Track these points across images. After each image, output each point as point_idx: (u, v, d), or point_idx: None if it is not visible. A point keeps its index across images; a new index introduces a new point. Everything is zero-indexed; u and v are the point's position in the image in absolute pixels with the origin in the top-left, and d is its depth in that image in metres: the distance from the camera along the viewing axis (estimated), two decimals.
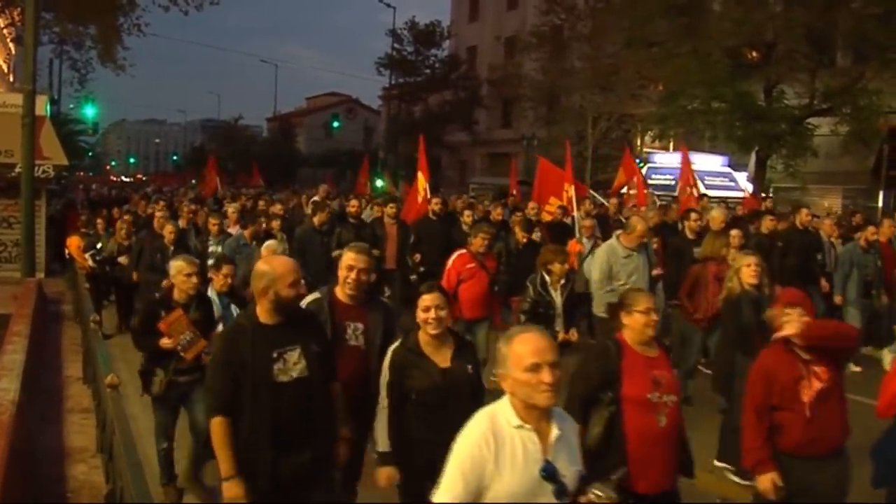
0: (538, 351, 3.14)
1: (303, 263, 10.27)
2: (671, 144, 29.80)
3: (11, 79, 35.46)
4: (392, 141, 50.37)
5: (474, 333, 8.77)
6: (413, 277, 12.03)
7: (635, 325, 4.58)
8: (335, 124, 64.41)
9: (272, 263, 4.42)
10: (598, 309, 9.09)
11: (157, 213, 13.29)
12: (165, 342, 6.27)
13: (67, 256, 14.93)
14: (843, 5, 20.74)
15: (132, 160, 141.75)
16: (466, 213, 13.01)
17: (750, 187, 24.27)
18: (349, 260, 5.18)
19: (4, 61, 35.36)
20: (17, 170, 14.54)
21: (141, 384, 6.61)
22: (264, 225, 12.33)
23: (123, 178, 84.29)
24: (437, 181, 33.57)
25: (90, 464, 6.59)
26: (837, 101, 21.43)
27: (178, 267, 6.47)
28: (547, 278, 8.03)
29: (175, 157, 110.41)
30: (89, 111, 42.07)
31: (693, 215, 10.94)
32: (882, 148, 21.62)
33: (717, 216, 11.27)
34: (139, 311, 7.23)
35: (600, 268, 9.10)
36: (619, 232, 9.52)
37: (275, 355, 4.24)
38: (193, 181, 50.93)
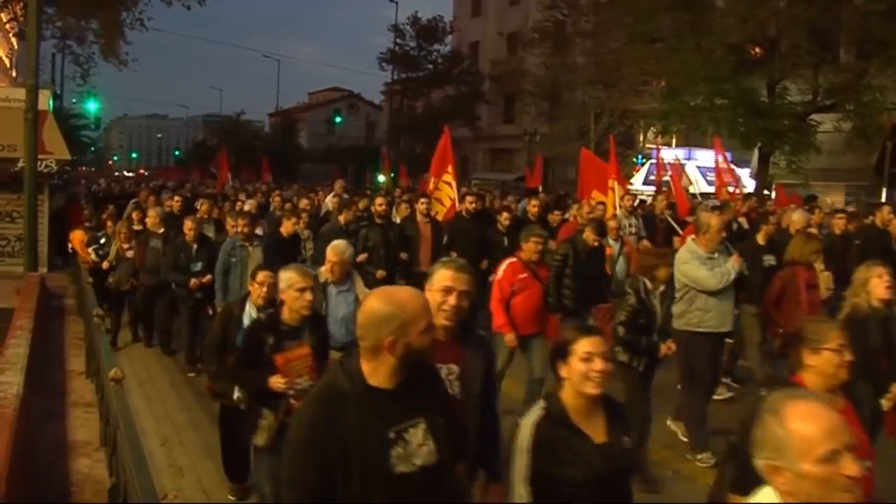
0: (833, 432, 2.28)
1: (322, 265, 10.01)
2: (673, 140, 29.78)
3: (14, 74, 35.48)
4: (394, 136, 50.34)
5: (529, 351, 8.08)
6: None
7: (825, 366, 3.69)
8: (337, 120, 64.46)
9: (397, 299, 2.94)
10: (679, 322, 7.75)
11: (173, 208, 13.04)
12: (278, 382, 4.93)
13: (70, 251, 14.94)
14: (847, 1, 20.70)
15: (134, 155, 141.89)
16: (504, 214, 12.17)
17: (753, 183, 24.24)
18: (446, 280, 3.84)
19: (7, 56, 35.38)
20: (20, 164, 14.55)
21: (231, 425, 6.06)
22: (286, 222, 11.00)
23: (126, 172, 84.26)
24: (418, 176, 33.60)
25: (93, 458, 6.61)
26: (841, 98, 21.38)
27: (288, 280, 5.15)
28: (649, 285, 7.04)
29: (177, 153, 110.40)
30: (91, 106, 41.98)
31: (772, 218, 10.34)
32: (885, 144, 21.59)
33: (799, 218, 10.56)
34: (242, 339, 5.71)
35: (688, 276, 7.68)
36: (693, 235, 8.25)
37: (392, 435, 2.91)
38: (194, 177, 51.00)
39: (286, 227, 10.64)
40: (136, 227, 12.33)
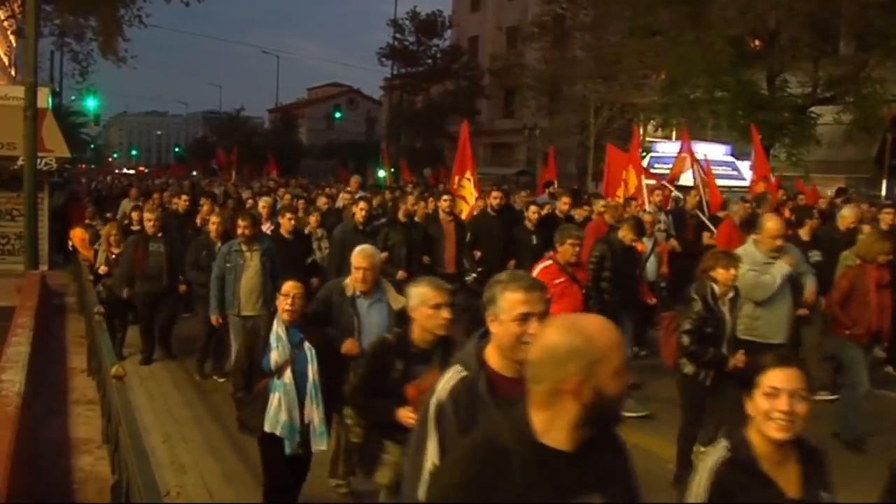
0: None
1: (341, 271, 9.02)
2: (673, 133, 29.75)
3: (13, 72, 35.43)
4: (394, 132, 50.31)
5: None
6: (470, 279, 10.69)
7: None
8: (337, 115, 64.32)
9: (585, 330, 2.25)
10: (741, 331, 6.97)
11: (204, 207, 12.45)
12: (408, 417, 4.17)
13: (71, 249, 14.93)
14: None
15: (134, 152, 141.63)
16: (532, 209, 11.31)
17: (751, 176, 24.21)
18: (518, 305, 2.93)
19: (5, 54, 35.34)
20: (20, 162, 14.53)
21: (345, 456, 5.94)
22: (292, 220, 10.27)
23: (126, 170, 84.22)
24: (439, 172, 33.58)
25: (96, 455, 6.60)
26: (840, 90, 21.40)
27: (421, 295, 4.39)
28: (717, 290, 6.39)
29: (177, 149, 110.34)
30: (91, 103, 41.97)
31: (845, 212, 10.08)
32: (885, 136, 21.59)
33: (849, 214, 10.26)
34: (361, 364, 5.05)
35: (749, 283, 7.01)
36: (753, 236, 7.56)
37: None
38: (195, 172, 50.99)
39: (284, 225, 10.01)
40: (136, 227, 11.56)
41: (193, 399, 9.08)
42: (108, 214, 14.58)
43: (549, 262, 7.48)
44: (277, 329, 5.35)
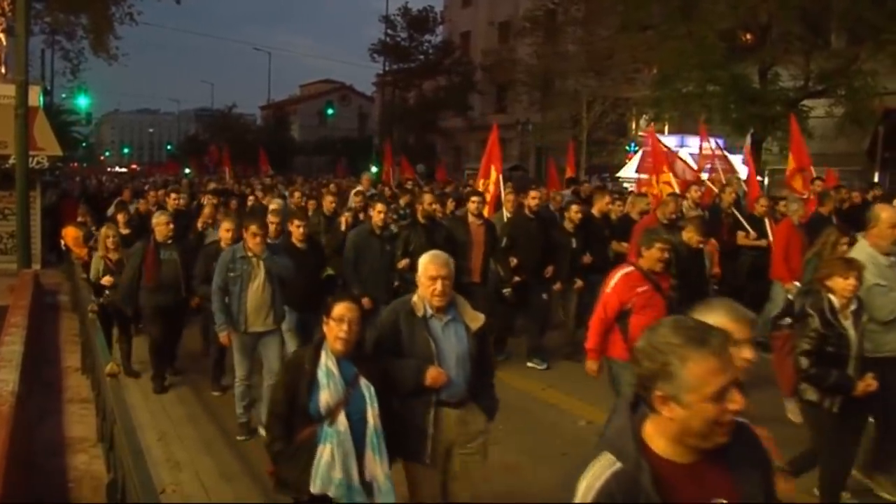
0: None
1: (358, 279, 8.99)
2: (666, 127, 29.78)
3: (3, 70, 35.26)
4: (386, 127, 50.30)
5: None
6: (507, 290, 9.92)
7: None
8: (329, 111, 64.27)
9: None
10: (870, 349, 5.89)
11: (206, 208, 11.64)
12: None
13: (63, 247, 14.89)
14: None
15: (126, 150, 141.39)
16: (574, 208, 10.39)
17: (745, 170, 24.26)
18: (712, 371, 2.07)
19: None
20: (11, 161, 14.49)
21: None
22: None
23: (119, 168, 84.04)
24: (432, 167, 33.59)
25: (91, 453, 6.59)
26: (832, 83, 21.44)
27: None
28: (836, 302, 5.54)
29: (169, 147, 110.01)
30: (82, 101, 41.92)
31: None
32: (877, 129, 21.64)
33: None
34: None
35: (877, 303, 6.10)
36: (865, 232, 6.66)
37: None
38: (187, 170, 50.88)
39: (295, 234, 8.71)
40: (124, 230, 10.89)
41: (188, 397, 9.07)
42: (110, 212, 13.80)
43: (631, 268, 6.54)
44: (327, 363, 4.30)
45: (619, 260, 10.09)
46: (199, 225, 11.33)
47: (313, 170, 52.43)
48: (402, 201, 14.32)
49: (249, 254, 7.49)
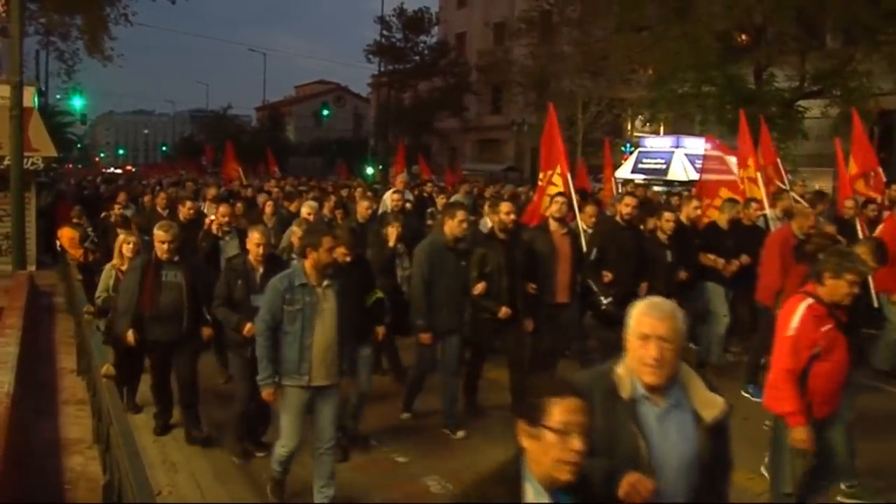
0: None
1: (427, 306, 7.38)
2: (661, 128, 29.82)
3: None
4: (382, 128, 50.30)
5: (830, 446, 5.41)
6: (608, 301, 8.34)
7: None
8: (325, 112, 64.28)
9: None
10: None
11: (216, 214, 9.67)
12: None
13: (59, 248, 14.87)
14: None
15: (121, 151, 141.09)
16: (667, 216, 9.01)
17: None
18: None
19: None
20: (6, 162, 14.46)
21: None
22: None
23: (114, 169, 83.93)
24: (431, 169, 33.60)
25: (86, 455, 6.57)
26: (828, 84, 21.49)
27: None
28: None
29: (164, 148, 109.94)
30: (77, 102, 41.84)
31: None
32: (872, 130, 21.68)
33: None
34: None
35: None
36: None
37: None
38: (182, 172, 50.78)
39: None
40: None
41: None
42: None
43: (811, 300, 5.14)
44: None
45: (707, 274, 9.39)
46: (214, 228, 9.50)
47: (308, 171, 52.36)
48: (438, 204, 13.23)
49: (312, 281, 5.77)
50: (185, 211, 10.67)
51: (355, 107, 76.72)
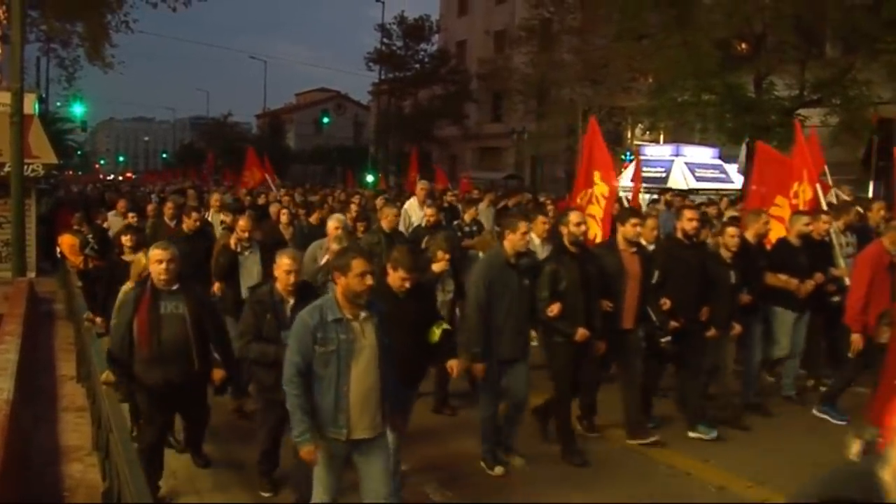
0: None
1: (484, 333, 6.59)
2: (661, 137, 29.86)
3: None
4: (382, 136, 50.33)
5: None
6: (666, 340, 7.65)
7: None
8: (325, 120, 64.37)
9: None
10: None
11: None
12: None
13: (59, 255, 14.88)
14: None
15: (121, 158, 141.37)
16: (730, 231, 8.09)
17: (740, 179, 24.34)
18: None
19: None
20: (7, 169, 14.49)
21: None
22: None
23: (118, 177, 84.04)
24: (428, 177, 33.62)
25: (86, 462, 6.57)
26: (827, 92, 21.48)
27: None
28: None
29: (164, 155, 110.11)
30: (77, 109, 41.89)
31: None
32: (872, 138, 21.71)
33: None
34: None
35: None
36: None
37: None
38: (183, 179, 50.86)
39: (398, 279, 5.62)
40: (130, 255, 8.22)
41: None
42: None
43: None
44: None
45: (774, 297, 8.56)
46: (233, 243, 8.47)
47: (309, 178, 52.46)
48: (467, 216, 11.97)
49: (347, 314, 4.77)
50: (190, 223, 9.96)
51: (355, 114, 76.77)
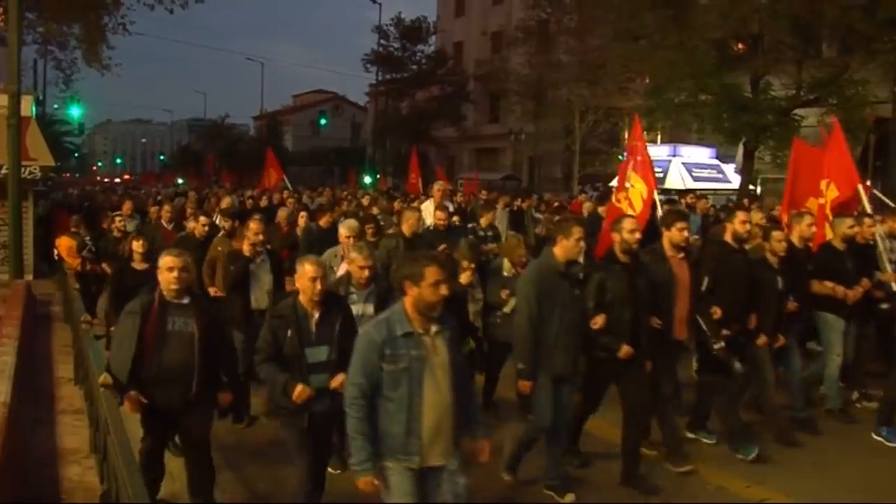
0: None
1: (540, 341, 6.07)
2: (658, 137, 29.89)
3: None
4: (379, 137, 50.35)
5: None
6: (717, 347, 7.07)
7: None
8: (322, 122, 64.36)
9: None
10: None
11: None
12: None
13: (56, 257, 14.87)
14: None
15: (119, 160, 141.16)
16: (777, 235, 7.68)
17: (738, 179, 24.39)
18: None
19: None
20: (4, 171, 14.48)
21: None
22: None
23: (116, 179, 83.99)
24: (427, 178, 33.64)
25: (84, 465, 6.56)
26: (824, 92, 21.53)
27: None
28: None
29: (162, 157, 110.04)
30: (75, 111, 41.77)
31: None
32: (868, 138, 21.75)
33: None
34: None
35: None
36: None
37: None
38: (180, 180, 50.87)
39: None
40: (140, 264, 7.92)
41: None
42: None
43: None
44: None
45: (821, 304, 8.13)
46: (247, 249, 7.86)
47: (306, 180, 52.42)
48: (483, 220, 11.17)
49: (419, 328, 4.28)
50: (199, 228, 9.53)
51: (353, 116, 76.74)
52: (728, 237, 7.54)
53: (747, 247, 7.90)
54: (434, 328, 4.28)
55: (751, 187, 23.94)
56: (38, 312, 12.61)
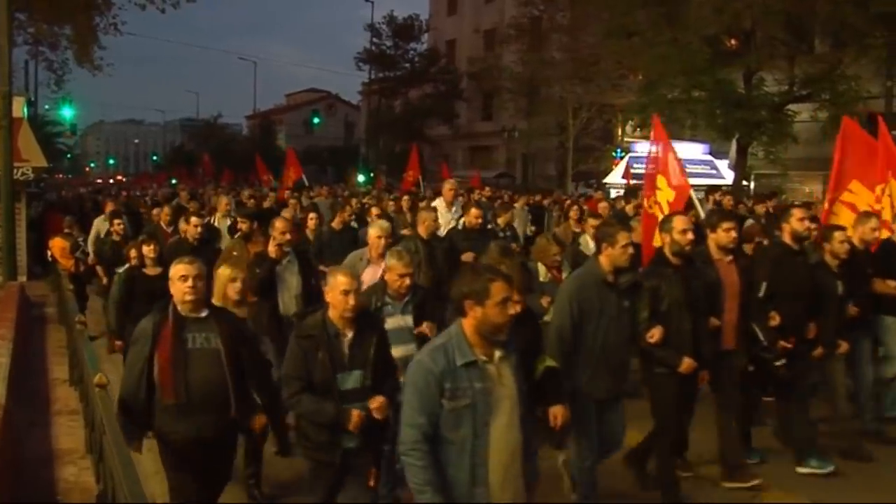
0: None
1: (581, 358, 5.41)
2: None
3: None
4: (373, 136, 50.32)
5: None
6: (781, 362, 6.55)
7: None
8: (315, 121, 64.27)
9: None
10: None
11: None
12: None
13: (50, 259, 14.82)
14: None
15: (111, 161, 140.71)
16: (838, 236, 7.05)
17: (731, 175, 24.43)
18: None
19: None
20: None
21: None
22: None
23: (110, 180, 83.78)
24: (423, 176, 33.63)
25: (80, 465, 6.54)
26: (817, 88, 21.60)
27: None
28: None
29: (155, 158, 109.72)
30: (67, 112, 41.71)
31: None
32: None
33: None
34: None
35: None
36: None
37: None
38: (174, 181, 50.76)
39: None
40: (152, 269, 7.62)
41: None
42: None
43: None
44: None
45: (887, 306, 7.56)
46: (272, 250, 7.21)
47: (301, 179, 52.27)
48: (500, 220, 10.50)
49: (482, 355, 3.59)
50: (190, 229, 8.64)
51: (346, 115, 76.66)
52: (787, 238, 6.85)
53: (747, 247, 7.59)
54: (498, 354, 3.61)
55: (744, 183, 23.99)
56: (33, 314, 12.60)
